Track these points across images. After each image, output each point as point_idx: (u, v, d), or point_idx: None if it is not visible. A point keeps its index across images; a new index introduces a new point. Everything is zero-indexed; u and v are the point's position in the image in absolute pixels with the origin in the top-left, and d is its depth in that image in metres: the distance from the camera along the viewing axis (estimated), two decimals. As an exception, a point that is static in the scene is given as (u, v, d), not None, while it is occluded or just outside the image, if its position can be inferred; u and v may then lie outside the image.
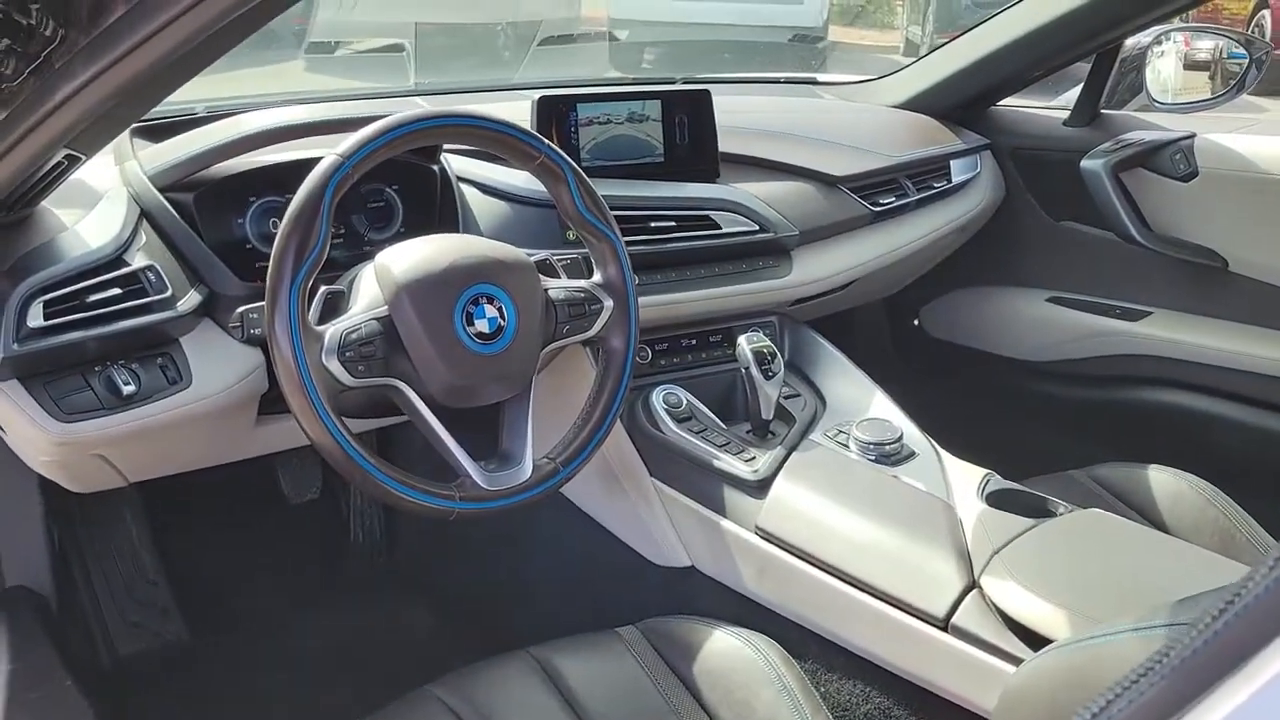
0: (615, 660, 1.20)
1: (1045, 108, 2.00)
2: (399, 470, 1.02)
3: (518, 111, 1.64)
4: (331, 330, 1.00)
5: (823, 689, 1.19)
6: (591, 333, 1.16)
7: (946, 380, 2.05)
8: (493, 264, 1.08)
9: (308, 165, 1.25)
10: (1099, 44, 1.75)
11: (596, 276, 1.18)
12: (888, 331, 2.15)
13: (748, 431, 1.40)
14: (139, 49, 0.78)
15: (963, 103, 1.92)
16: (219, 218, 1.21)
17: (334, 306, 1.05)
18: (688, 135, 1.55)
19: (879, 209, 1.68)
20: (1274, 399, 1.68)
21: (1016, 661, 1.02)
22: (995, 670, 1.03)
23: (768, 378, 1.35)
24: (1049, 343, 1.91)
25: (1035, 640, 1.02)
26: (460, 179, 1.39)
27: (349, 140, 1.02)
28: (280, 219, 1.23)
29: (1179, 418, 1.76)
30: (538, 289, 1.11)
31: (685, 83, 1.97)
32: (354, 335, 1.00)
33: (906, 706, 1.12)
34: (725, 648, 1.19)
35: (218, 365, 1.16)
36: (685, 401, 1.41)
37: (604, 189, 1.35)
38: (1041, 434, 1.90)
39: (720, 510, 1.30)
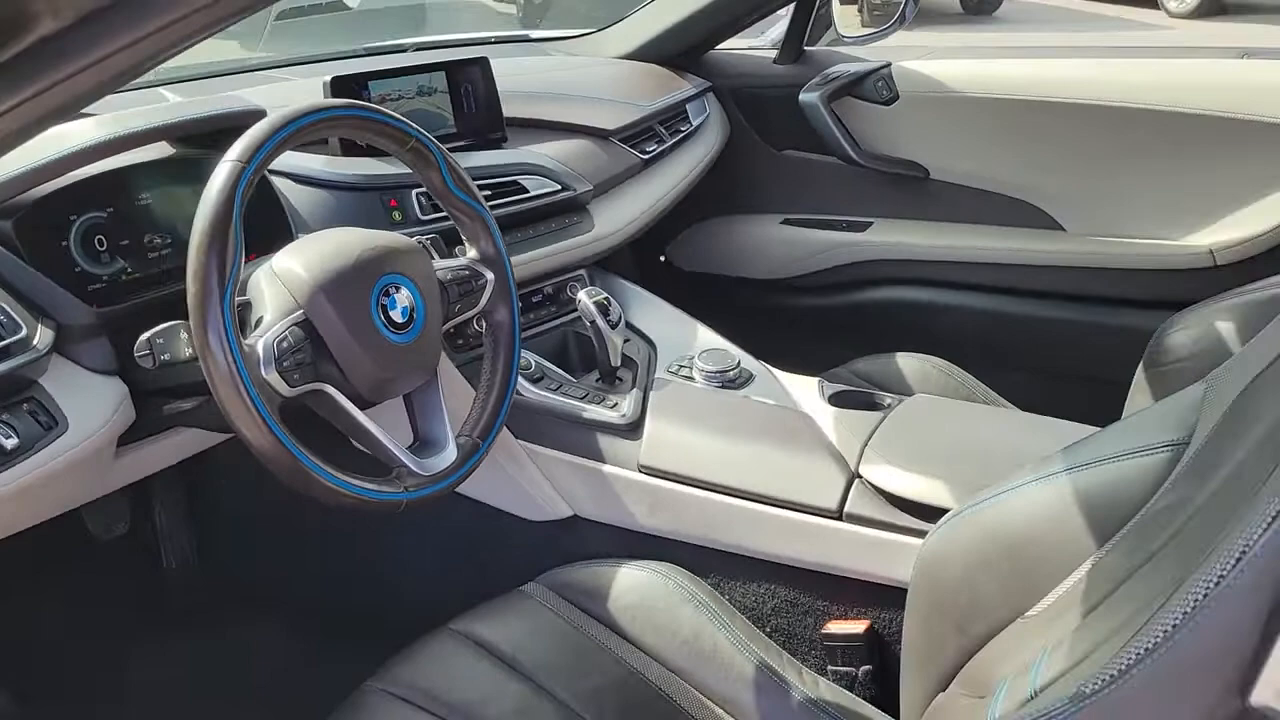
0: (533, 617, 1.25)
1: (752, 49, 2.20)
2: (344, 471, 1.01)
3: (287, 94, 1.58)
4: (261, 343, 0.96)
5: (728, 596, 1.32)
6: (479, 308, 1.18)
7: (701, 307, 2.22)
8: (393, 252, 1.08)
9: (124, 175, 1.17)
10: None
11: (472, 252, 1.20)
12: (637, 270, 2.28)
13: (596, 381, 1.48)
14: (88, 69, 0.72)
15: (683, 49, 2.07)
16: (42, 243, 1.10)
17: (243, 320, 1.01)
18: (475, 104, 1.58)
19: (647, 157, 1.80)
20: (975, 281, 2.00)
21: (911, 533, 1.19)
22: (893, 544, 1.20)
23: (612, 327, 1.43)
24: (788, 260, 2.13)
25: (923, 511, 1.19)
26: (270, 171, 1.33)
27: (241, 144, 0.97)
28: (106, 236, 1.14)
29: (907, 309, 2.05)
30: (433, 272, 1.12)
31: (418, 50, 1.97)
32: (284, 344, 0.97)
33: (812, 593, 1.27)
34: (633, 582, 1.28)
35: (86, 402, 1.06)
36: (534, 363, 1.46)
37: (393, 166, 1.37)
38: (797, 342, 2.12)
39: (599, 458, 1.37)
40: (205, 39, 0.74)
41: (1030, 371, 1.90)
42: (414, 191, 1.41)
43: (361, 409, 1.05)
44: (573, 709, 1.14)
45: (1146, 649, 0.57)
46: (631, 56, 2.07)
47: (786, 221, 2.14)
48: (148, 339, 0.97)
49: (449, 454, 1.11)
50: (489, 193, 1.48)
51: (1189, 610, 0.55)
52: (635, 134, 1.80)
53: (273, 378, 0.95)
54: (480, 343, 1.43)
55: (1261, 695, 0.52)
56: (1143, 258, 1.83)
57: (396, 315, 1.05)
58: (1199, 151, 1.75)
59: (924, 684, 1.08)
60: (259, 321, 1.00)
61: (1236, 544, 0.55)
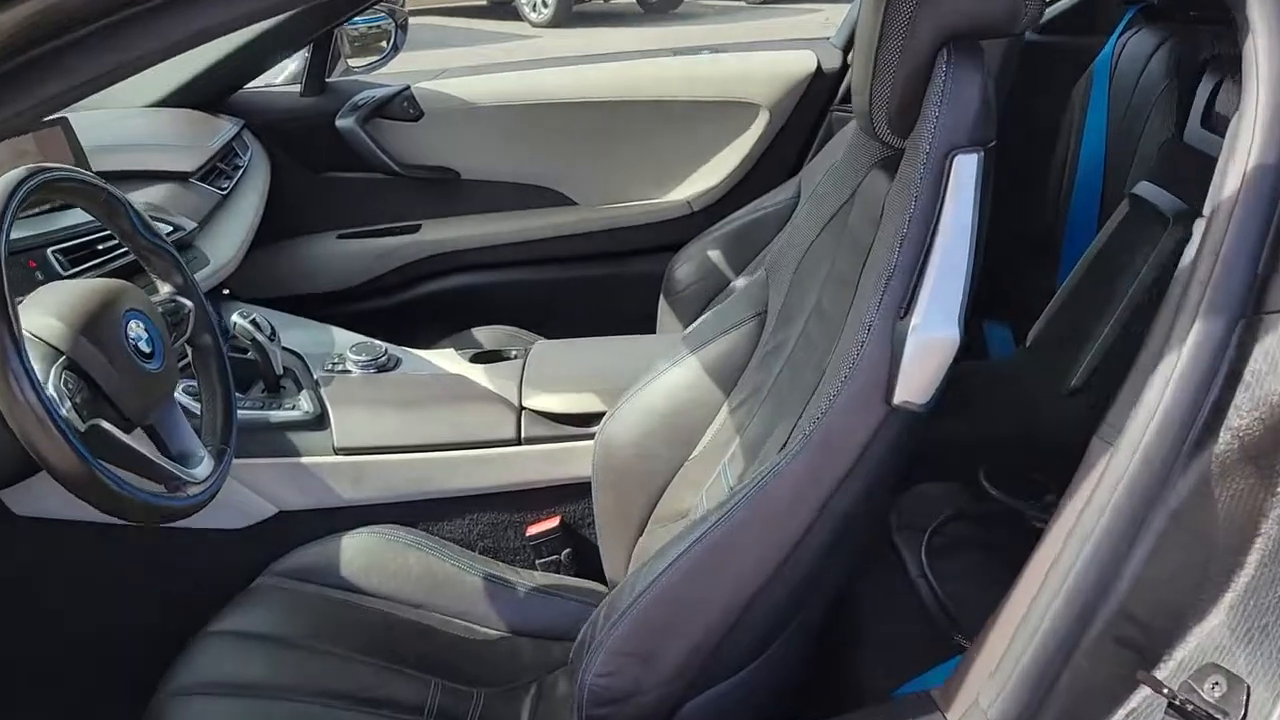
0: (280, 601, 1.41)
1: (270, 87, 2.37)
2: (143, 489, 1.11)
3: None
4: (50, 386, 1.04)
5: (439, 535, 1.57)
6: (188, 334, 1.31)
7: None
8: (124, 291, 1.19)
9: None
10: (319, 34, 2.18)
11: (166, 288, 1.32)
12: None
13: (262, 392, 1.63)
14: None
15: (212, 94, 2.20)
16: None
17: None
18: (64, 163, 1.62)
19: (224, 191, 1.93)
20: (516, 258, 2.39)
21: (578, 438, 1.54)
22: (566, 451, 1.54)
23: (270, 340, 1.59)
24: (350, 270, 2.36)
25: (582, 420, 1.55)
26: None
27: None
28: None
29: (466, 292, 2.39)
30: (154, 305, 1.24)
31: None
32: (67, 385, 1.06)
33: (509, 509, 1.57)
34: (357, 547, 1.49)
35: None
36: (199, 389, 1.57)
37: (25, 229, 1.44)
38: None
39: (295, 453, 1.54)
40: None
41: (577, 321, 2.33)
42: (49, 249, 1.46)
43: (129, 434, 1.16)
44: (353, 658, 1.33)
45: (830, 398, 0.97)
46: (162, 104, 2.15)
47: (342, 236, 2.36)
48: None
49: (206, 462, 1.24)
50: (113, 243, 1.56)
51: (850, 367, 0.96)
52: (208, 173, 1.93)
53: (72, 415, 1.05)
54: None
55: (898, 398, 0.94)
56: (640, 215, 2.35)
57: (144, 345, 1.17)
58: (665, 129, 2.30)
59: (622, 538, 1.44)
60: None
61: (861, 325, 0.97)
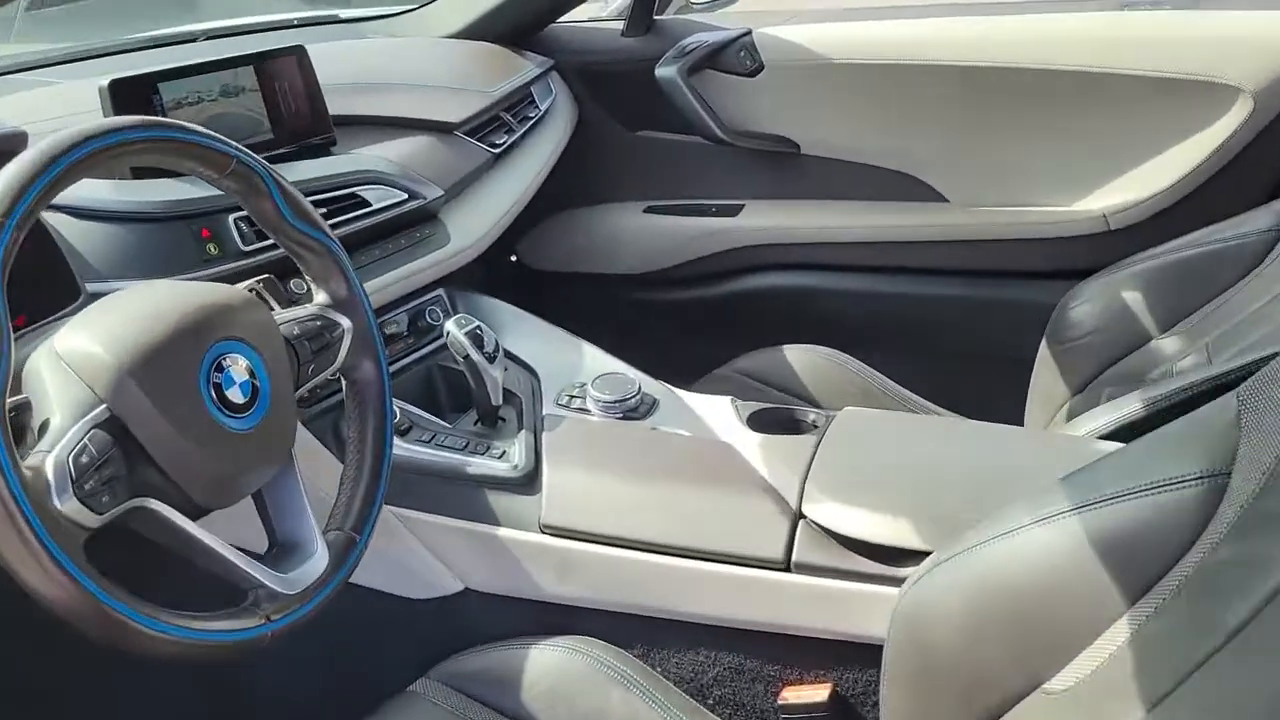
0: (431, 724, 1.04)
1: (596, 21, 1.99)
2: (177, 612, 0.76)
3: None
4: (51, 460, 0.70)
5: (660, 669, 1.13)
6: (339, 364, 0.95)
7: (561, 309, 2.01)
8: (222, 310, 0.83)
9: None
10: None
11: (320, 296, 0.96)
12: (485, 273, 2.05)
13: (475, 424, 1.26)
14: None
15: (521, 24, 1.85)
16: None
17: (19, 427, 0.74)
18: (293, 103, 1.31)
19: (498, 150, 1.58)
20: (857, 261, 1.87)
21: (874, 580, 1.03)
22: (854, 594, 1.04)
23: (490, 361, 1.21)
24: (654, 252, 1.95)
25: (886, 555, 1.03)
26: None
27: None
28: None
29: (787, 296, 1.90)
30: (275, 328, 0.88)
31: (210, 39, 1.68)
32: (84, 458, 0.71)
33: (761, 656, 1.10)
34: (547, 664, 1.09)
35: None
36: (399, 411, 1.22)
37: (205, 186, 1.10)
38: (671, 342, 1.94)
39: (492, 520, 1.15)
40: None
41: (923, 354, 1.79)
42: (232, 217, 1.14)
43: (196, 519, 0.80)
44: None
45: None
46: (462, 35, 1.83)
47: (650, 209, 1.95)
48: None
49: (318, 558, 0.87)
50: (324, 210, 1.23)
51: None
52: (482, 125, 1.58)
53: (72, 508, 0.69)
54: (329, 393, 1.20)
55: None
56: (1032, 226, 1.74)
57: (235, 395, 0.81)
58: (1083, 111, 1.67)
59: (914, 762, 0.92)
60: (44, 427, 0.73)
61: None
